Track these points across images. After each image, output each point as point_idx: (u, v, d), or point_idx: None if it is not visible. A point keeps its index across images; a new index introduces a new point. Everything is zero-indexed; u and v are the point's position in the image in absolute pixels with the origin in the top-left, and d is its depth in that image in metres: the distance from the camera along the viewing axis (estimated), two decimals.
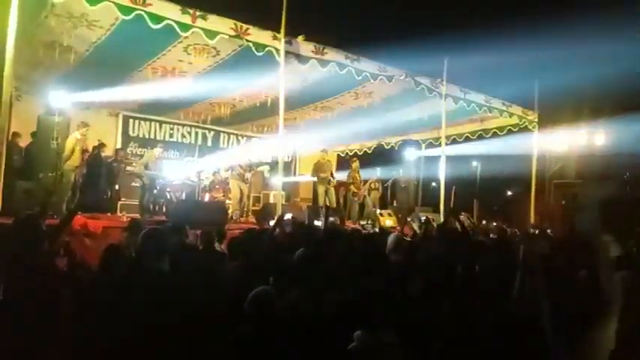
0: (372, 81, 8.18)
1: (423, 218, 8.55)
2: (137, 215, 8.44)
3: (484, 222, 11.02)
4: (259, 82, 8.44)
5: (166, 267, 3.03)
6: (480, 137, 11.83)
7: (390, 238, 4.57)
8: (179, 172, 10.11)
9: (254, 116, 11.49)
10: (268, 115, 10.66)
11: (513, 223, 10.86)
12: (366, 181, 11.31)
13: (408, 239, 5.77)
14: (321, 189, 10.33)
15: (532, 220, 10.60)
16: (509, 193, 17.81)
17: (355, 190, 11.00)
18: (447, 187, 10.37)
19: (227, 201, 10.19)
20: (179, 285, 2.88)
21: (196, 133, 12.85)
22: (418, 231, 6.81)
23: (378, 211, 10.89)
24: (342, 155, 15.76)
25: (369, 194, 11.20)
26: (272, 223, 6.02)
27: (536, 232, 8.11)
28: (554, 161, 13.44)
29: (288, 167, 13.84)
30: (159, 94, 8.96)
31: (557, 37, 10.51)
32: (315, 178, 10.49)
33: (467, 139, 12.06)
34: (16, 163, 8.02)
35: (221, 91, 9.23)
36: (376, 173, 11.81)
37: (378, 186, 11.67)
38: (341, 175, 11.82)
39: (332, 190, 10.41)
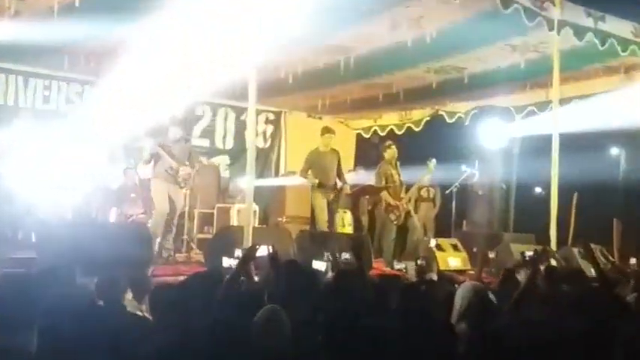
0: None
1: (528, 253, 7.97)
2: None
3: (633, 261, 10.77)
4: None
5: (32, 345, 3.11)
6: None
7: (460, 292, 4.55)
8: (60, 168, 10.05)
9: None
10: None
11: None
12: (410, 186, 11.22)
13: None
14: (319, 200, 10.39)
15: None
16: None
17: (391, 202, 10.86)
18: (563, 195, 10.30)
19: (150, 222, 10.18)
20: None
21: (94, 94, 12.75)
22: (521, 275, 6.44)
23: (433, 240, 10.66)
24: (366, 136, 15.84)
25: (415, 210, 11.15)
26: (233, 263, 6.07)
27: None
28: None
29: (267, 159, 14.02)
30: (23, 24, 8.88)
31: None
32: (307, 181, 10.58)
33: (599, 106, 11.85)
34: None
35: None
36: (429, 170, 11.39)
37: (433, 194, 11.70)
38: (364, 176, 11.84)
39: (340, 203, 10.53)
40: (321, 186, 10.36)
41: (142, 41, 9.64)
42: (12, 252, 8.09)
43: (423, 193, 11.66)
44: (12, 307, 3.38)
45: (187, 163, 10.14)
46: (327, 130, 10.83)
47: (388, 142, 11.71)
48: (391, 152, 11.19)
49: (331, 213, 10.34)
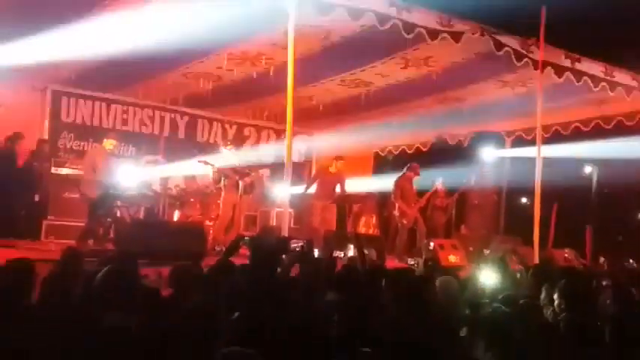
0: (430, 41, 8.55)
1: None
2: (72, 241, 8.65)
3: (602, 260, 11.57)
4: (258, 38, 8.98)
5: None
6: (598, 129, 12.26)
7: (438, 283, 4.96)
8: (135, 177, 10.46)
9: (249, 94, 11.92)
10: (270, 92, 11.20)
11: None
12: (422, 195, 11.71)
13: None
14: (316, 207, 11.12)
15: None
16: None
17: (405, 208, 11.32)
18: (546, 205, 10.66)
19: (206, 222, 10.65)
20: None
21: (162, 118, 13.56)
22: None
23: (434, 242, 10.91)
24: (382, 154, 16.33)
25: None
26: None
27: None
28: None
29: (300, 172, 14.16)
30: (106, 51, 9.30)
31: None
32: (313, 191, 11.25)
33: (577, 132, 12.55)
34: None
35: (200, 48, 9.53)
36: (435, 183, 12.15)
37: (446, 204, 12.11)
38: (380, 183, 12.44)
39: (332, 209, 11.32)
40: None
41: None
42: (103, 244, 8.92)
43: (438, 202, 12.24)
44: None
45: (246, 173, 10.54)
46: (338, 158, 11.50)
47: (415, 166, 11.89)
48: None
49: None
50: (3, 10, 8.43)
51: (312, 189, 11.42)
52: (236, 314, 3.83)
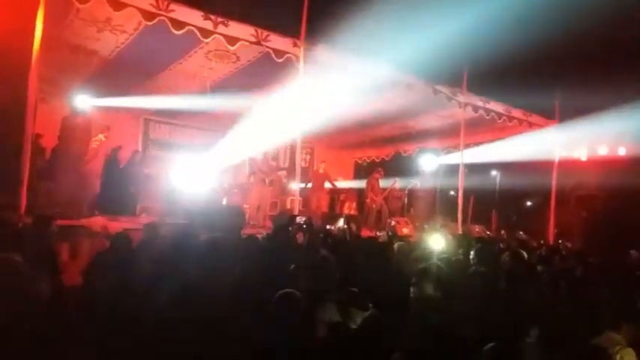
0: (391, 87, 8.59)
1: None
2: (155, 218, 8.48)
3: (502, 232, 11.44)
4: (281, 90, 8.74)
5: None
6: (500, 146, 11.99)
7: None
8: (198, 175, 10.42)
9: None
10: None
11: (532, 234, 11.33)
12: (385, 189, 11.58)
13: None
14: (313, 197, 10.93)
15: (551, 231, 11.07)
16: (529, 203, 18.57)
17: (374, 197, 11.35)
18: (466, 196, 10.76)
19: (244, 205, 10.41)
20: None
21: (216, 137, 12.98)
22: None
23: (394, 220, 10.81)
24: (360, 162, 16.04)
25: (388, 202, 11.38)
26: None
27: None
28: (575, 171, 13.40)
29: (306, 173, 13.76)
30: (180, 100, 9.56)
31: (578, 42, 11.04)
32: (310, 185, 11.05)
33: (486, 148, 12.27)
34: (39, 164, 8.24)
35: (241, 96, 9.45)
36: (395, 182, 12.05)
37: (401, 195, 11.97)
38: (358, 182, 12.24)
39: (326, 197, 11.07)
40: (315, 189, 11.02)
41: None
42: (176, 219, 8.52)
43: (396, 194, 11.96)
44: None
45: (269, 173, 10.46)
46: (323, 162, 11.38)
47: (379, 169, 11.94)
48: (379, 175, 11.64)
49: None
50: (119, 78, 8.91)
51: (310, 184, 11.26)
52: (292, 266, 3.77)
